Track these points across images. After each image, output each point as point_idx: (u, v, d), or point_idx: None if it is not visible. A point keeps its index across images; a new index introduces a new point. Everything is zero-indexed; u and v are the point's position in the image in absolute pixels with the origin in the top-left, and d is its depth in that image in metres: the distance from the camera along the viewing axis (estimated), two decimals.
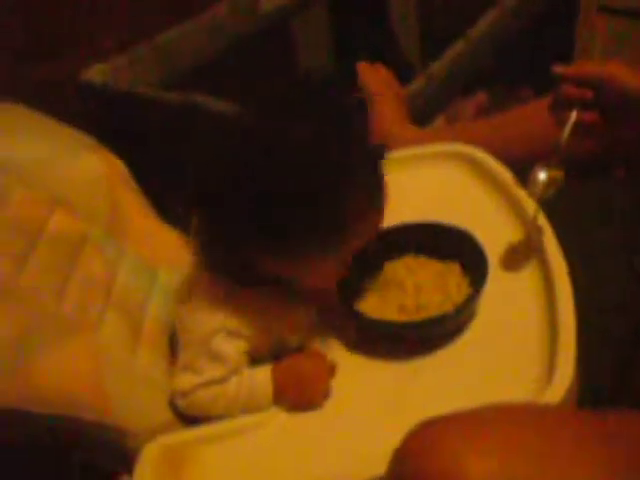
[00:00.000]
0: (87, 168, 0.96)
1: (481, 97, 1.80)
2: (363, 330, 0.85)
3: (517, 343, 0.80)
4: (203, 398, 0.79)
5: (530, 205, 0.90)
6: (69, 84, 1.48)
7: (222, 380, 0.79)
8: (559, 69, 0.86)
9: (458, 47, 1.48)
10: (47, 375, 0.75)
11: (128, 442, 0.79)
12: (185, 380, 0.80)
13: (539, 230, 0.88)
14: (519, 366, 0.77)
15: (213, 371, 0.79)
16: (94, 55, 1.52)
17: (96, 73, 1.49)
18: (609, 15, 1.80)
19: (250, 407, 0.80)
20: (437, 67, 1.41)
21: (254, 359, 0.82)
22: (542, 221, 0.88)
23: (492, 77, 1.74)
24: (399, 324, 0.82)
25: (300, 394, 0.80)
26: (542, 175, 0.85)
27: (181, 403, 0.81)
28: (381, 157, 0.79)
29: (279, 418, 0.79)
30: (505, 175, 1.00)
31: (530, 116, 1.13)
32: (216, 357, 0.79)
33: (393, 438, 0.61)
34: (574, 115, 0.86)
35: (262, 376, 0.80)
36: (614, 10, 1.79)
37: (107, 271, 0.90)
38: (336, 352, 0.84)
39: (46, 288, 0.83)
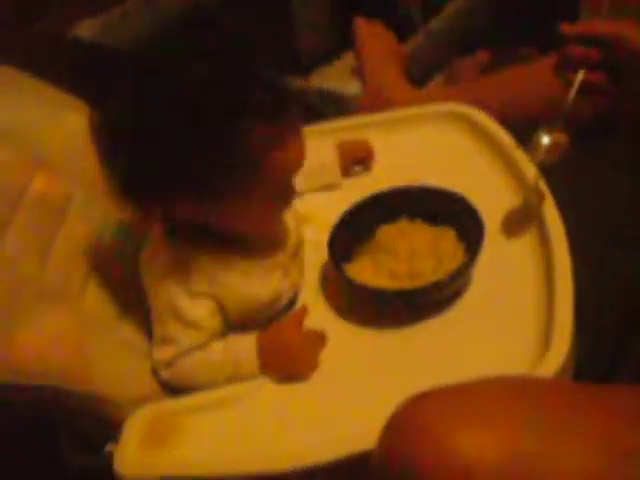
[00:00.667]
0: (69, 126, 0.92)
1: (482, 56, 1.75)
2: (354, 296, 0.83)
3: (513, 312, 0.78)
4: (187, 366, 0.78)
5: (530, 169, 0.87)
6: (58, 40, 1.44)
7: (203, 345, 0.78)
8: (567, 28, 0.82)
9: (457, 3, 1.43)
10: (29, 343, 0.73)
11: (113, 411, 0.77)
12: (165, 351, 0.79)
13: (539, 195, 0.85)
14: (514, 337, 0.75)
15: (189, 338, 0.78)
16: (84, 10, 1.48)
17: (85, 29, 1.45)
18: None
19: (235, 376, 0.78)
20: (436, 23, 1.37)
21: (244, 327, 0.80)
22: (542, 187, 0.85)
23: (493, 36, 1.70)
24: (391, 292, 0.80)
25: (287, 364, 0.78)
26: (545, 139, 0.81)
27: (164, 374, 0.79)
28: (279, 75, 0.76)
29: (266, 388, 0.77)
30: (504, 137, 0.98)
31: (531, 75, 1.10)
32: (187, 322, 0.77)
33: (383, 410, 0.58)
34: (581, 76, 0.81)
35: (247, 343, 0.78)
36: None
37: (91, 234, 0.88)
38: (325, 318, 0.82)
39: (29, 254, 0.80)
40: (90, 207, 0.90)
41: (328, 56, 2.09)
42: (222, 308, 0.80)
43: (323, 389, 0.76)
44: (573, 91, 0.81)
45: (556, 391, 0.59)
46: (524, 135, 0.93)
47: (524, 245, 0.84)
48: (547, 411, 0.54)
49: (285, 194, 0.79)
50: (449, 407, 0.54)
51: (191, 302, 0.78)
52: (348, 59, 2.06)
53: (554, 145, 0.80)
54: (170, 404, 0.78)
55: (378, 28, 1.22)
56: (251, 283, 0.81)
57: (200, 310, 0.78)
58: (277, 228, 0.84)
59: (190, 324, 0.77)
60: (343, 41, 2.10)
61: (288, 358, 0.78)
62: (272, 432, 0.74)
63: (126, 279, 0.88)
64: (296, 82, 1.33)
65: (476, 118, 1.01)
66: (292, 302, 0.86)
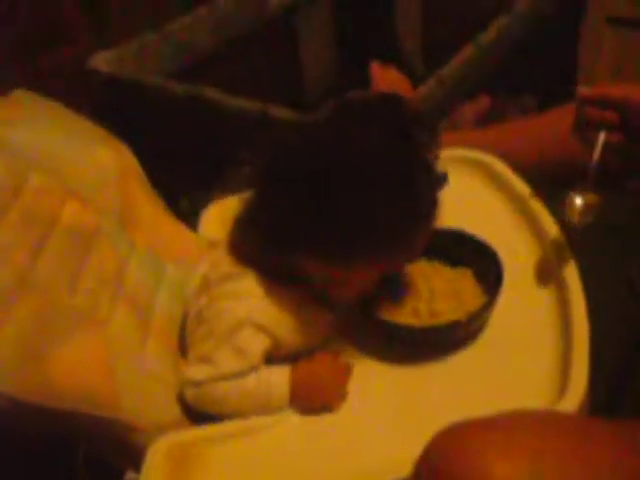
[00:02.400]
0: (100, 160, 0.95)
1: (484, 102, 1.80)
2: (379, 333, 0.85)
3: (530, 352, 0.80)
4: (217, 391, 0.79)
5: (546, 221, 0.91)
6: (75, 72, 1.47)
7: (240, 375, 0.79)
8: (584, 91, 0.86)
9: (467, 52, 1.48)
10: (60, 368, 0.75)
11: (136, 438, 0.79)
12: (200, 370, 0.79)
13: (560, 253, 0.88)
14: (532, 375, 0.78)
15: (232, 365, 0.78)
16: (101, 43, 1.51)
17: (102, 61, 1.49)
18: (615, 25, 1.81)
19: (263, 407, 0.79)
20: (447, 71, 1.41)
21: (269, 359, 0.82)
22: (567, 251, 0.88)
23: (495, 82, 1.75)
24: (416, 329, 0.82)
25: (317, 397, 0.80)
26: (578, 200, 0.84)
27: (191, 393, 0.80)
28: (442, 181, 0.82)
29: (291, 420, 0.79)
30: (516, 182, 1.00)
31: (539, 128, 1.13)
32: (239, 351, 0.78)
33: (405, 443, 0.62)
34: (602, 137, 0.84)
35: (280, 376, 0.80)
36: (621, 20, 1.80)
37: (118, 264, 0.90)
38: (351, 354, 0.84)
39: (59, 279, 0.82)
40: (117, 237, 0.92)
41: (333, 95, 2.15)
42: (275, 346, 0.81)
43: (346, 422, 0.78)
44: (597, 152, 0.84)
45: (580, 425, 0.63)
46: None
47: (538, 287, 0.87)
48: (573, 443, 0.58)
49: None
50: (482, 437, 0.57)
51: (252, 333, 0.79)
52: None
53: (587, 206, 0.83)
54: (193, 432, 0.79)
55: (392, 73, 1.26)
56: (311, 330, 0.83)
57: (257, 344, 0.79)
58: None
59: (241, 353, 0.78)
60: (347, 80, 2.15)
61: (320, 393, 0.80)
62: (296, 465, 0.75)
63: (150, 308, 0.90)
64: None
65: (488, 163, 1.04)
66: None
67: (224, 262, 0.83)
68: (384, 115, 0.78)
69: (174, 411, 0.82)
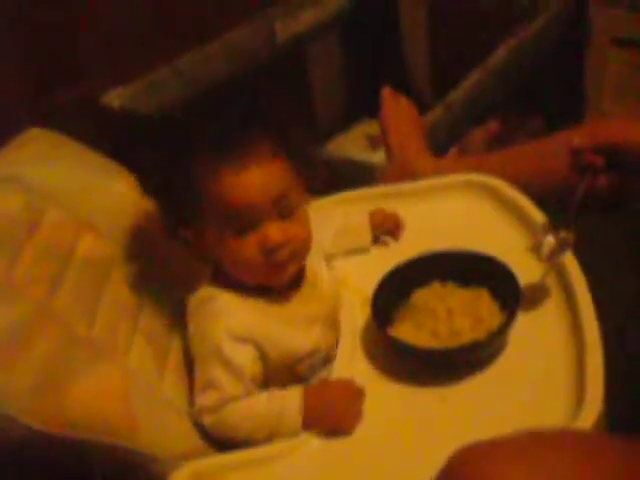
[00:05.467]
0: (116, 190, 0.97)
1: (493, 126, 1.82)
2: (396, 355, 0.85)
3: (543, 369, 0.80)
4: (231, 415, 0.80)
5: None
6: (87, 108, 1.49)
7: (246, 395, 0.80)
8: (577, 142, 0.95)
9: (475, 76, 1.50)
10: (78, 399, 0.75)
11: (154, 468, 0.79)
12: (209, 396, 0.81)
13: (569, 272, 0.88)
14: (547, 393, 0.78)
15: (231, 385, 0.80)
16: (112, 79, 1.54)
17: (114, 97, 1.51)
18: (621, 47, 1.83)
19: (276, 429, 0.80)
20: (455, 96, 1.43)
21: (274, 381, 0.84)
22: (576, 268, 0.88)
23: (504, 106, 1.77)
24: (440, 350, 0.82)
25: (331, 421, 0.80)
26: (551, 239, 0.86)
27: (208, 419, 0.81)
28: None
29: (308, 445, 0.79)
30: (525, 204, 1.01)
31: (547, 150, 1.14)
32: (230, 367, 0.80)
33: (423, 465, 0.62)
34: (585, 182, 0.93)
35: (293, 398, 0.80)
36: (627, 42, 1.81)
37: (134, 296, 0.91)
38: (368, 377, 0.84)
39: (77, 312, 0.83)
40: (132, 268, 0.93)
41: (343, 124, 2.18)
42: (263, 356, 0.83)
43: (363, 446, 0.78)
44: (578, 194, 0.91)
45: (597, 443, 0.63)
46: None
47: (549, 306, 0.86)
48: (591, 463, 0.58)
49: (257, 237, 0.82)
50: (501, 456, 0.57)
51: (234, 346, 0.81)
52: (363, 127, 2.14)
53: (560, 245, 0.86)
54: (212, 461, 0.79)
55: (403, 101, 1.28)
56: (292, 332, 0.84)
57: (242, 356, 0.81)
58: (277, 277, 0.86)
59: (232, 370, 0.80)
60: (357, 110, 2.18)
61: (333, 415, 0.80)
62: None
63: (167, 339, 0.91)
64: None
65: (498, 187, 1.05)
66: (328, 359, 0.89)
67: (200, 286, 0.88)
68: None
69: (192, 441, 0.82)
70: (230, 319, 0.82)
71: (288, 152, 0.84)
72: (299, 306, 0.87)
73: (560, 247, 0.86)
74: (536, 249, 0.87)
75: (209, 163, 0.81)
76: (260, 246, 0.82)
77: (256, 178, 0.81)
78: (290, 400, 0.80)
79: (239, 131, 0.81)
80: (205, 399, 0.81)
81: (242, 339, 0.81)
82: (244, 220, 0.82)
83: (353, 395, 0.81)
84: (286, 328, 0.84)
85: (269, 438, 0.80)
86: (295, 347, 0.84)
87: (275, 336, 0.83)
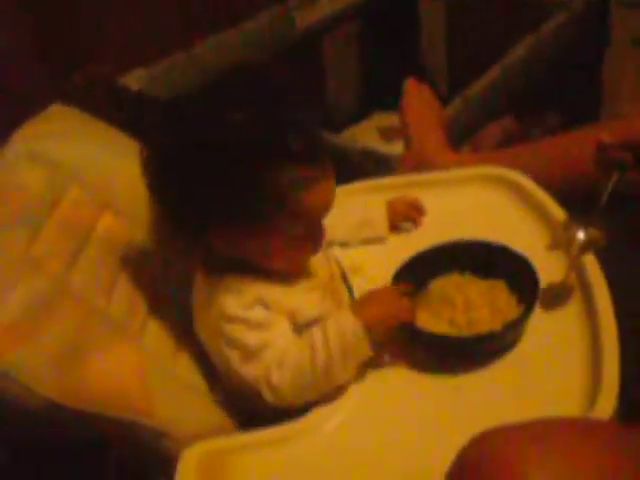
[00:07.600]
0: (135, 174, 0.97)
1: (508, 121, 1.81)
2: (414, 343, 0.85)
3: (560, 359, 0.81)
4: (296, 357, 0.80)
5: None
6: (104, 89, 1.49)
7: (290, 331, 0.82)
8: (606, 139, 0.93)
9: (493, 73, 1.50)
10: (96, 373, 0.76)
11: (168, 445, 0.79)
12: (262, 359, 0.81)
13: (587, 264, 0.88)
14: (563, 383, 0.78)
15: (275, 336, 0.81)
16: (132, 61, 1.54)
17: (133, 79, 1.51)
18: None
19: (346, 349, 0.79)
20: (473, 91, 1.43)
21: None
22: (594, 262, 0.88)
23: (520, 102, 1.76)
24: (463, 338, 0.83)
25: (388, 314, 0.81)
26: (581, 235, 0.86)
27: (276, 379, 0.80)
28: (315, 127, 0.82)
29: (321, 429, 0.79)
30: (543, 197, 1.01)
31: (563, 147, 1.14)
32: (255, 325, 0.81)
33: (438, 452, 0.62)
34: (614, 178, 0.91)
35: (343, 315, 0.81)
36: None
37: (151, 276, 0.92)
38: (379, 365, 0.85)
39: (94, 289, 0.84)
40: (149, 249, 0.94)
41: (357, 116, 2.17)
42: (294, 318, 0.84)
43: (376, 432, 0.79)
44: (606, 193, 0.90)
45: (613, 431, 0.63)
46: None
47: (566, 298, 0.87)
48: (608, 450, 0.58)
49: (313, 236, 0.84)
50: (519, 441, 0.58)
51: (248, 310, 0.81)
52: (376, 120, 2.14)
53: (589, 241, 0.86)
54: (224, 441, 0.80)
55: (426, 91, 1.28)
56: (293, 296, 0.85)
57: (258, 312, 0.82)
58: (304, 265, 0.88)
59: (257, 326, 0.81)
60: (371, 102, 2.18)
61: (389, 312, 0.82)
62: (326, 472, 0.76)
63: (181, 319, 0.92)
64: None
65: (517, 180, 1.05)
66: None
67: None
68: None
69: (207, 419, 0.83)
70: (236, 292, 0.82)
71: None
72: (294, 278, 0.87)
73: (589, 244, 0.86)
74: (566, 245, 0.87)
75: (297, 171, 0.79)
76: (314, 242, 0.85)
77: (333, 185, 0.83)
78: (342, 317, 0.81)
79: (312, 137, 0.81)
80: (258, 364, 0.81)
81: (250, 302, 0.82)
82: (318, 221, 0.84)
83: (393, 293, 0.83)
84: (286, 292, 0.85)
85: (345, 363, 0.80)
86: (298, 308, 0.84)
87: (278, 299, 0.83)
